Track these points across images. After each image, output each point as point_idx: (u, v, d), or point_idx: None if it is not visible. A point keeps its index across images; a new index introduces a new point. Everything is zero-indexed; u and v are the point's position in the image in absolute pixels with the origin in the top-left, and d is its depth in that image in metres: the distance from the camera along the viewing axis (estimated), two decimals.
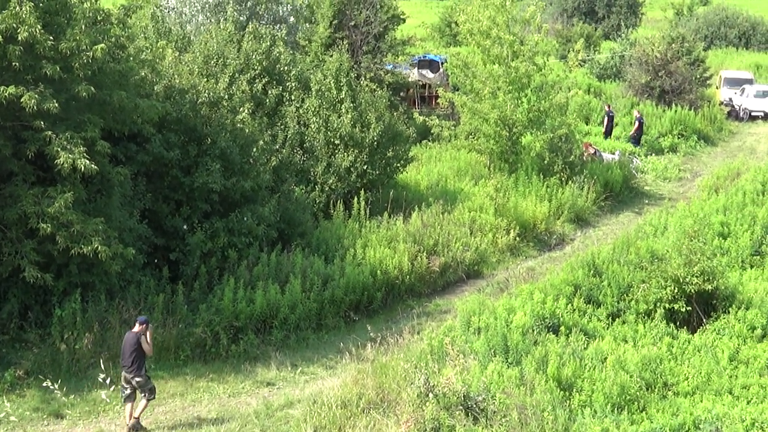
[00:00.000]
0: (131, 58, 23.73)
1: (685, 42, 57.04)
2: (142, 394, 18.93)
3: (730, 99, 58.50)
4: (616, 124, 47.96)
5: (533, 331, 21.71)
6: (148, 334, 18.92)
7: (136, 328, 18.84)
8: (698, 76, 55.92)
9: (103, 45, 21.24)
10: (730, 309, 23.12)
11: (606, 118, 47.16)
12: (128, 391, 18.81)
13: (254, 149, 27.07)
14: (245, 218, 25.52)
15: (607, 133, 46.82)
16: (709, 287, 23.08)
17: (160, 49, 27.61)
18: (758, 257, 27.52)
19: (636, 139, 46.39)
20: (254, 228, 25.61)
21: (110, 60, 22.29)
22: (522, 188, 34.98)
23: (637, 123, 46.47)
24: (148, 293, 23.27)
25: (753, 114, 56.56)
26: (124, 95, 22.04)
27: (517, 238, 31.65)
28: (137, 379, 18.70)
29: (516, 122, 36.20)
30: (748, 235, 28.19)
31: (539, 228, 33.14)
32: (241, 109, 27.97)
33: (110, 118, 22.46)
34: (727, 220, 29.84)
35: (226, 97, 27.65)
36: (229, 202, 25.74)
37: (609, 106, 48.40)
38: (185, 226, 24.70)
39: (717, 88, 60.94)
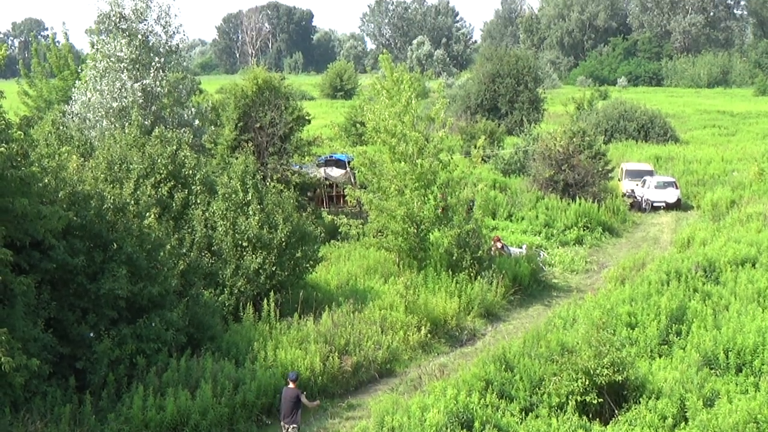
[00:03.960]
0: (33, 165, 23.45)
1: (586, 136, 58.12)
2: None
3: (632, 190, 59.73)
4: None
5: (447, 428, 21.63)
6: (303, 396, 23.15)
7: (291, 384, 23.03)
8: (600, 169, 56.93)
9: (3, 149, 21.00)
10: (641, 399, 23.31)
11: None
12: None
13: (161, 254, 26.84)
14: (153, 324, 25.19)
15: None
16: (620, 378, 23.27)
17: (65, 154, 27.41)
18: (666, 346, 27.84)
19: None
20: (163, 333, 25.28)
21: (11, 167, 22.00)
22: (431, 284, 35.06)
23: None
24: (54, 404, 22.73)
25: (655, 204, 57.79)
26: (27, 202, 21.76)
27: (429, 335, 31.62)
28: (294, 425, 22.76)
29: (423, 219, 36.42)
30: (654, 325, 28.53)
31: (450, 324, 33.17)
32: (147, 213, 27.79)
33: (12, 227, 22.11)
34: (633, 310, 30.19)
35: (132, 202, 27.46)
36: (136, 308, 25.40)
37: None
38: (92, 334, 24.26)
39: (619, 180, 62.19)
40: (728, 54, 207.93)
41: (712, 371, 25.53)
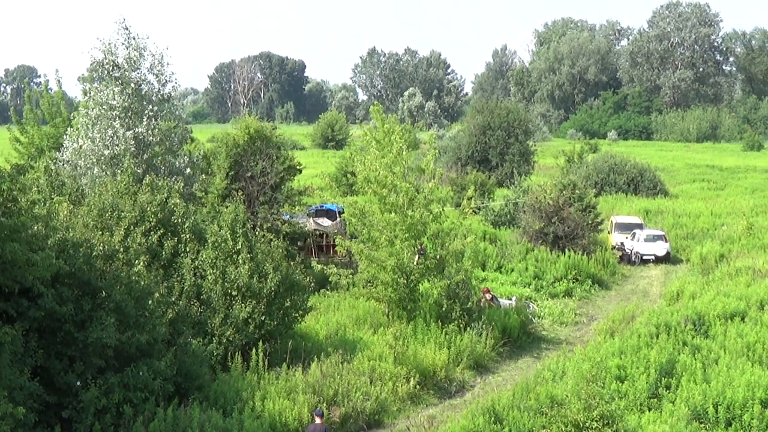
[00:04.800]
0: (23, 212, 23.39)
1: (576, 188, 58.33)
2: None
3: (622, 243, 59.84)
4: None
5: None
6: None
7: (318, 420, 24.57)
8: (590, 222, 57.05)
9: None
10: None
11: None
12: None
13: (150, 302, 26.72)
14: (141, 373, 25.03)
15: None
16: (609, 431, 23.17)
17: (56, 204, 27.35)
18: (655, 400, 27.77)
19: None
20: (150, 382, 25.12)
21: (1, 214, 21.96)
22: (421, 336, 34.96)
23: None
24: None
25: (644, 258, 57.86)
26: (18, 247, 21.69)
27: (418, 386, 31.48)
28: None
29: (413, 270, 36.38)
30: (644, 378, 28.48)
31: (439, 375, 33.04)
32: (137, 261, 27.72)
33: (0, 273, 22.02)
34: (623, 363, 30.13)
35: (122, 249, 27.40)
36: (124, 357, 25.25)
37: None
38: (78, 383, 24.08)
39: (609, 233, 62.35)
40: (717, 109, 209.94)
41: (702, 425, 25.51)
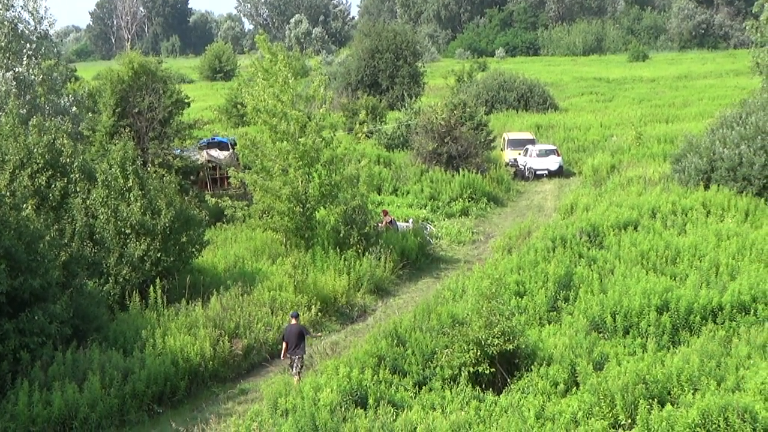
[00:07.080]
0: None
1: (467, 107, 58.49)
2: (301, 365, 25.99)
3: (515, 160, 60.26)
4: None
5: (341, 407, 21.54)
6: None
7: (294, 321, 26.34)
8: (483, 140, 57.32)
9: None
10: (532, 367, 23.57)
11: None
12: (296, 367, 25.81)
13: (41, 245, 26.11)
14: (36, 317, 24.53)
15: None
16: (510, 347, 23.45)
17: None
18: (555, 313, 28.15)
19: None
20: (46, 326, 24.64)
21: None
22: (320, 263, 34.90)
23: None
24: None
25: (537, 173, 58.37)
26: None
27: (319, 314, 31.49)
28: (298, 356, 25.88)
29: (309, 197, 36.20)
30: (542, 292, 28.82)
31: (340, 301, 33.12)
32: (24, 205, 27.05)
33: None
34: (521, 278, 30.45)
35: (8, 193, 26.70)
36: (18, 302, 24.70)
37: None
38: None
39: (502, 150, 62.70)
40: (602, 21, 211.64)
41: (601, 335, 25.96)
